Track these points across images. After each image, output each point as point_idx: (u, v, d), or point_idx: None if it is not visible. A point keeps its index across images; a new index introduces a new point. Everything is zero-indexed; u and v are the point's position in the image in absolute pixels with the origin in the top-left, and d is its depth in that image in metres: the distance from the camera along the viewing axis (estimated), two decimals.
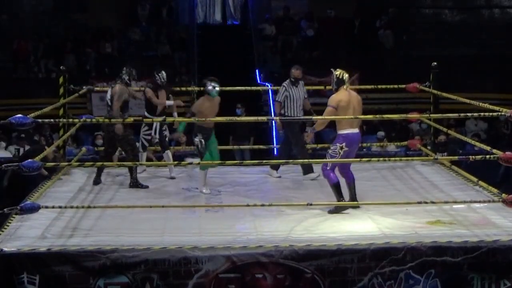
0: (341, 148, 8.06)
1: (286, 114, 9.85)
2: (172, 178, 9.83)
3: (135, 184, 9.31)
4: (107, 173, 9.92)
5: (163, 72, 10.09)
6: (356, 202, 8.12)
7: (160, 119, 9.67)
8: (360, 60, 18.93)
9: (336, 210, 7.94)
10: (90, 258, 6.57)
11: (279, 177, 9.90)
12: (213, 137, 9.21)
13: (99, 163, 9.55)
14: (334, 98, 8.16)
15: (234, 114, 14.70)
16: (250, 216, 7.81)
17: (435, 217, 7.66)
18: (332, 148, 8.16)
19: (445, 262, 6.71)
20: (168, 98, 10.06)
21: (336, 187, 8.10)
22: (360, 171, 9.97)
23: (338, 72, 8.29)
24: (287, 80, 9.98)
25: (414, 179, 9.47)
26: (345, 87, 8.21)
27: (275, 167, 9.96)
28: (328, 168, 8.11)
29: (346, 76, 8.26)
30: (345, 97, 8.14)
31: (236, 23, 20.62)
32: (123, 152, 9.65)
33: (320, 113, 8.55)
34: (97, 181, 9.44)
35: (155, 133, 10.06)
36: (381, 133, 15.28)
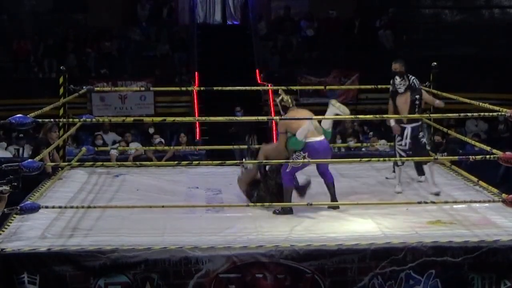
0: (304, 157, 7.96)
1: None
2: (437, 194, 8.59)
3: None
4: (107, 172, 9.93)
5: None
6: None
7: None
8: (360, 60, 18.94)
9: (283, 211, 7.91)
10: (91, 258, 6.56)
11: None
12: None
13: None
14: (282, 124, 8.16)
15: (233, 115, 14.71)
16: (250, 216, 7.81)
17: (435, 217, 7.65)
18: (296, 154, 8.05)
19: (445, 262, 6.70)
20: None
21: (288, 191, 8.03)
22: (360, 171, 10.01)
23: (280, 98, 8.27)
24: None
25: (414, 179, 9.45)
26: (292, 108, 8.21)
27: (422, 172, 9.15)
28: (287, 170, 8.00)
29: (287, 98, 8.23)
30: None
31: (236, 23, 20.62)
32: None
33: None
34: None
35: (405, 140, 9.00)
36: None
